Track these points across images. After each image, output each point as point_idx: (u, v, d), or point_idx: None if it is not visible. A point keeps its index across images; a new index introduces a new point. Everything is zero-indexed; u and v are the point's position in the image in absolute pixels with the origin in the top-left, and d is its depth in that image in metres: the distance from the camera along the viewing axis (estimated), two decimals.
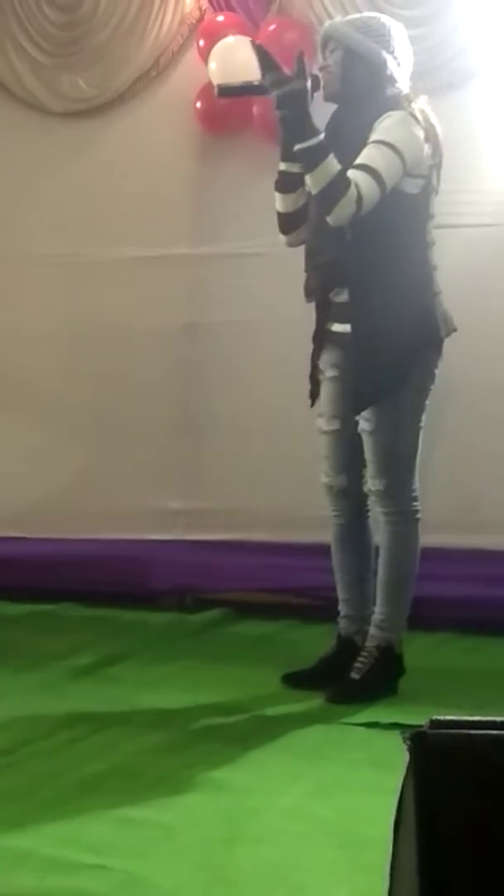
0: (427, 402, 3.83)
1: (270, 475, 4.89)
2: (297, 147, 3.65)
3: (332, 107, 3.85)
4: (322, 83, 3.75)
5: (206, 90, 4.88)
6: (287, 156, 3.80)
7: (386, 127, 3.67)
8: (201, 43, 4.92)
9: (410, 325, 3.76)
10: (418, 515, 3.87)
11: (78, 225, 5.16)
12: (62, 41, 5.19)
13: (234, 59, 4.72)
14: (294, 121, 3.64)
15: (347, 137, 3.68)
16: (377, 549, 3.92)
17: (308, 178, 3.66)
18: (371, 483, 3.85)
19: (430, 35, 4.51)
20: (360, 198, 3.59)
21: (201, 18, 4.99)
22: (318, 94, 3.75)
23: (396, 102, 3.72)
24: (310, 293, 3.88)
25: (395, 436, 3.80)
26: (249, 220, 4.79)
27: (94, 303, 5.13)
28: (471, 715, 1.75)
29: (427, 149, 3.71)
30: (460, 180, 4.17)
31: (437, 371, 3.83)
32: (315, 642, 4.18)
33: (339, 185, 3.59)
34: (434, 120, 3.75)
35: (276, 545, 4.87)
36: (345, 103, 3.80)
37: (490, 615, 4.53)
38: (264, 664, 4.15)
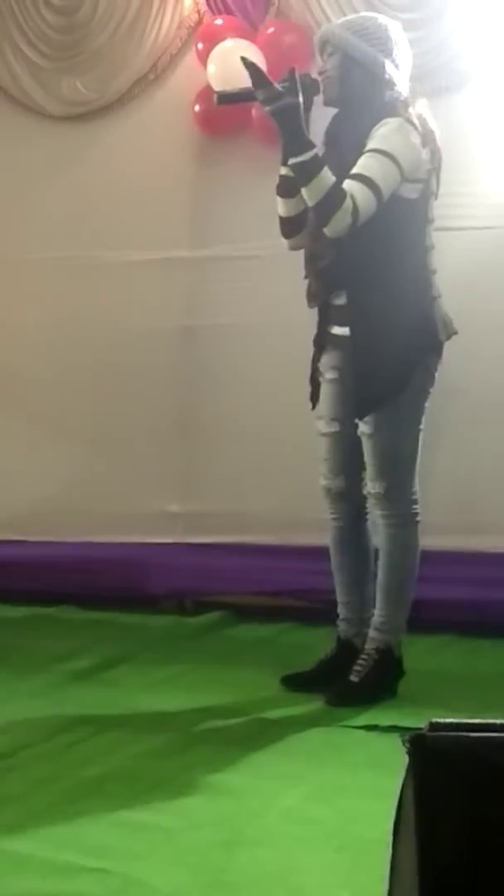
0: (427, 405, 3.83)
1: (270, 478, 4.89)
2: (291, 161, 3.66)
3: (332, 110, 3.85)
4: (322, 88, 3.75)
5: (205, 93, 4.88)
6: (287, 160, 3.80)
7: (382, 135, 3.67)
8: (200, 46, 4.92)
9: (410, 329, 3.76)
10: (418, 518, 3.87)
11: (77, 228, 5.16)
12: (61, 44, 5.19)
13: (233, 63, 4.71)
14: (287, 136, 3.64)
15: (346, 143, 3.69)
16: (376, 551, 3.93)
17: (304, 192, 3.66)
18: (371, 486, 3.85)
19: (428, 38, 4.51)
20: (356, 209, 3.60)
21: (200, 21, 4.99)
22: (319, 98, 3.76)
23: (394, 108, 3.71)
24: (312, 298, 3.88)
25: (395, 438, 3.80)
26: (248, 223, 4.79)
27: (93, 306, 5.13)
28: (470, 717, 1.75)
29: (425, 154, 3.70)
30: (458, 183, 4.17)
31: (436, 373, 3.83)
32: (314, 645, 4.17)
33: (334, 197, 3.59)
34: (432, 124, 3.74)
35: (275, 548, 4.87)
36: (344, 108, 3.80)
37: (489, 618, 4.53)
38: (263, 667, 4.15)
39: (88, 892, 2.53)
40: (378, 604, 3.88)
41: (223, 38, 4.83)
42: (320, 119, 3.80)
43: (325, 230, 3.65)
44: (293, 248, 3.94)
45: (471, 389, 4.59)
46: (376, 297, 3.73)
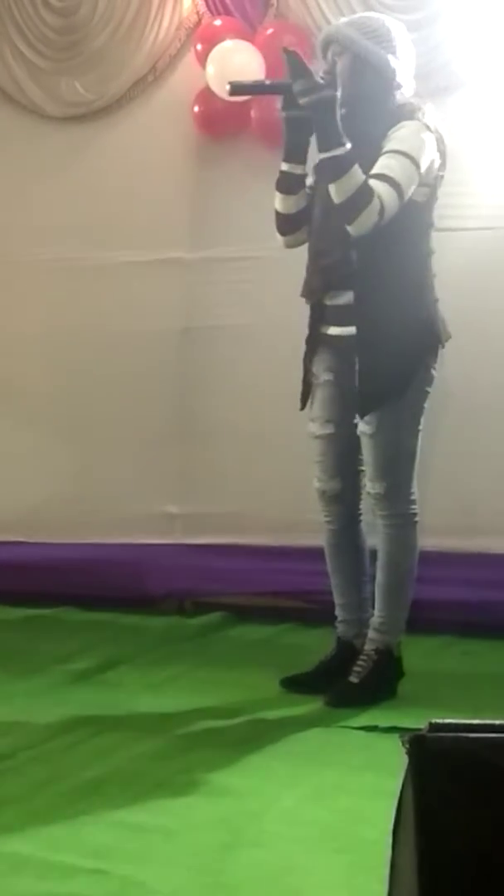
0: (426, 405, 3.83)
1: (268, 479, 4.89)
2: (324, 156, 3.64)
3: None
4: None
5: (204, 94, 4.89)
6: (289, 157, 3.80)
7: (402, 137, 3.67)
8: (199, 47, 4.93)
9: (414, 330, 3.76)
10: (417, 519, 3.87)
11: (75, 229, 5.16)
12: (60, 45, 5.19)
13: (232, 63, 4.73)
14: (322, 129, 3.63)
15: (357, 143, 3.67)
16: (372, 552, 3.92)
17: (332, 188, 3.64)
18: (370, 486, 3.85)
19: (426, 39, 4.51)
20: (382, 209, 3.60)
21: (199, 22, 5.00)
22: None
23: (410, 112, 3.72)
24: (310, 293, 3.88)
25: (396, 438, 3.80)
26: (247, 224, 4.79)
27: (91, 307, 5.13)
28: (470, 718, 1.75)
29: (437, 159, 3.72)
30: (455, 184, 4.17)
31: (435, 374, 3.83)
32: (314, 646, 4.17)
33: (364, 195, 3.59)
34: (442, 131, 3.75)
35: (274, 549, 4.87)
36: (353, 109, 3.79)
37: (489, 618, 4.53)
38: (263, 668, 4.15)
39: (87, 894, 2.53)
40: (377, 604, 3.88)
41: (222, 39, 4.84)
42: None
43: (350, 228, 3.63)
44: (289, 245, 3.94)
45: (470, 391, 4.60)
46: (382, 296, 3.73)
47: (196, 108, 4.96)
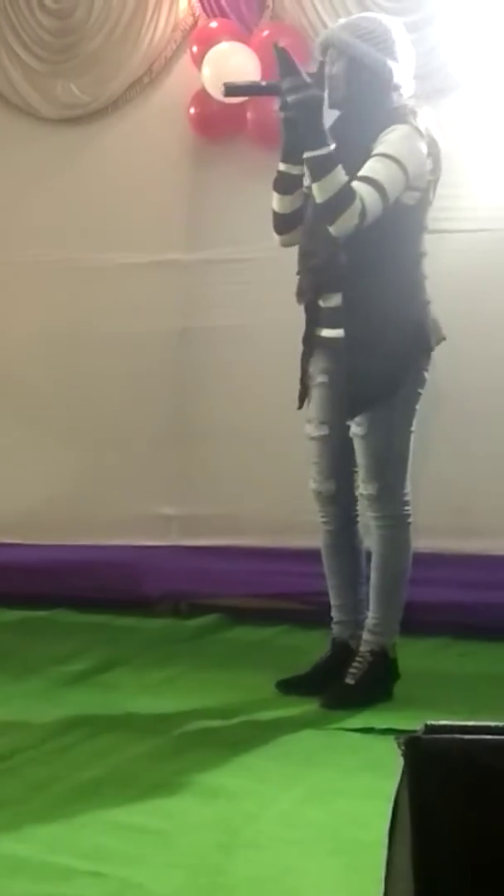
0: (418, 407, 3.83)
1: (264, 480, 4.89)
2: (307, 155, 3.64)
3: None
4: (327, 90, 3.75)
5: (200, 96, 4.89)
6: (287, 157, 3.80)
7: (391, 140, 3.67)
8: (195, 49, 4.93)
9: (403, 333, 3.77)
10: (410, 520, 3.87)
11: (72, 231, 5.16)
12: (56, 47, 5.19)
13: (228, 65, 4.73)
14: (307, 128, 3.63)
15: (351, 146, 3.67)
16: (368, 553, 3.93)
17: (314, 187, 3.64)
18: (363, 487, 3.85)
19: (422, 41, 4.49)
20: (363, 211, 3.60)
21: (194, 24, 5.00)
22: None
23: (402, 115, 3.72)
24: (301, 295, 3.88)
25: (388, 440, 3.80)
26: (243, 226, 4.79)
27: (88, 309, 5.13)
28: (465, 720, 1.75)
29: (428, 164, 3.72)
30: (451, 185, 4.17)
31: (427, 375, 3.83)
32: (310, 647, 4.17)
33: (345, 196, 3.59)
34: (437, 135, 3.75)
35: (270, 550, 4.87)
36: (349, 111, 3.79)
37: (484, 620, 4.53)
38: (259, 669, 4.15)
39: None
40: (371, 605, 3.88)
41: (218, 41, 4.84)
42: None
43: (331, 228, 3.64)
44: (285, 244, 3.94)
45: (464, 392, 4.60)
46: (371, 298, 3.74)
47: (192, 110, 4.96)
